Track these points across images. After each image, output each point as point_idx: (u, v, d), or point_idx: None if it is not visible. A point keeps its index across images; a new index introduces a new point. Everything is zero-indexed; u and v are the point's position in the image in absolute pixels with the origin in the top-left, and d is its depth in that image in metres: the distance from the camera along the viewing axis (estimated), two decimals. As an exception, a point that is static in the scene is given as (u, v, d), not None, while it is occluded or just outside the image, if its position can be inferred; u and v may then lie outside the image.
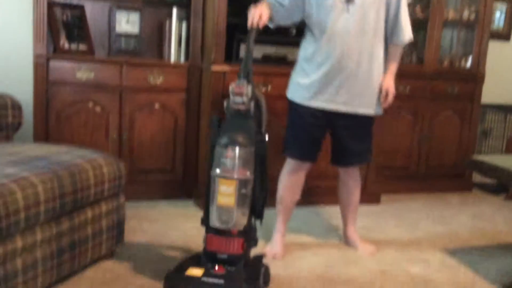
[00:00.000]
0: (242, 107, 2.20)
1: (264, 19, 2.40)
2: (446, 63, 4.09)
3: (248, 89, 2.19)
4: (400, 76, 3.79)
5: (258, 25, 2.38)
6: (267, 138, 2.27)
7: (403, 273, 2.58)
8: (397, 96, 3.82)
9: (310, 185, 3.44)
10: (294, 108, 2.62)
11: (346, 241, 2.90)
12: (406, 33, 2.59)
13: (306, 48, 2.58)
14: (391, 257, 2.76)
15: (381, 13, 2.52)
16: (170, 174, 3.46)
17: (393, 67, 2.63)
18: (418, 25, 3.84)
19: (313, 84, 2.54)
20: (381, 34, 2.55)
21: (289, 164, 2.69)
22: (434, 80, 3.95)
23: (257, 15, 2.38)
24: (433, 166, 4.07)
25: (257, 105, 2.30)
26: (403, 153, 3.96)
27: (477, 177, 4.34)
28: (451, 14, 4.02)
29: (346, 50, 2.48)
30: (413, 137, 3.96)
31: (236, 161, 2.11)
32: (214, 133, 2.22)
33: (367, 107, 2.60)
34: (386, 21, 2.56)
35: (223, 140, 2.15)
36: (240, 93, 2.18)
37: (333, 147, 2.72)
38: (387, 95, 2.62)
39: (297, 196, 2.74)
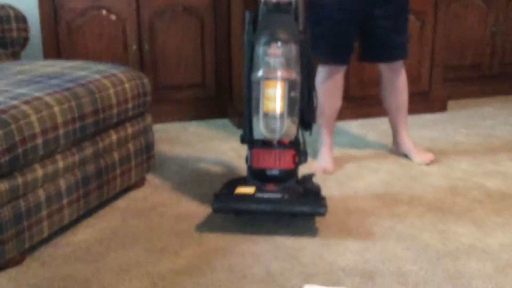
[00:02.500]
0: (282, 0, 2.15)
1: None
2: None
3: None
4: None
5: None
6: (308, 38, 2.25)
7: (478, 188, 2.54)
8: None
9: (359, 95, 3.39)
10: (320, 3, 2.53)
11: (397, 149, 2.89)
12: None
13: None
14: (463, 171, 2.72)
15: None
16: (201, 90, 3.44)
17: None
18: None
19: None
20: None
21: (322, 69, 2.66)
22: (511, -43, 3.75)
23: None
24: (509, 64, 3.95)
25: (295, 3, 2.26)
26: (473, 49, 3.84)
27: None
28: None
29: None
30: (485, 29, 3.82)
31: (281, 59, 2.09)
32: (249, 31, 2.20)
33: None
34: None
35: (264, 37, 2.11)
36: None
37: (370, 42, 2.65)
38: None
39: (338, 102, 2.73)
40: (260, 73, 2.12)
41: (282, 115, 2.12)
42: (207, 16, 3.33)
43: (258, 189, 2.14)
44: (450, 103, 3.72)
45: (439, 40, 3.49)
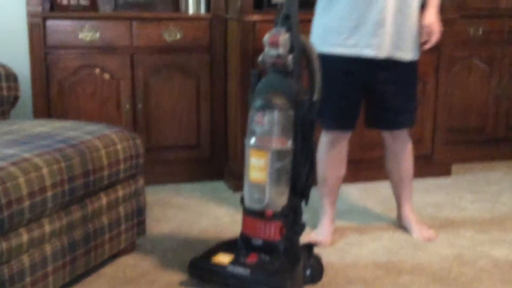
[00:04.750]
0: (278, 61, 2.15)
1: None
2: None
3: (285, 38, 2.12)
4: (470, 16, 3.72)
5: None
6: (316, 98, 2.23)
7: (484, 257, 2.53)
8: (468, 41, 3.75)
9: (358, 158, 3.41)
10: (324, 68, 2.55)
11: (399, 223, 2.83)
12: None
13: None
14: (469, 239, 2.72)
15: None
16: (196, 151, 3.46)
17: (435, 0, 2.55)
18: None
19: (343, 23, 2.44)
20: None
21: (325, 136, 2.65)
22: (512, 19, 3.84)
23: None
24: (515, 127, 3.99)
25: (307, 60, 2.24)
26: (477, 111, 3.87)
27: None
28: None
29: None
30: (489, 91, 3.87)
31: (268, 127, 2.12)
32: (252, 91, 2.24)
33: (412, 50, 2.53)
34: None
35: (256, 102, 2.16)
36: (275, 43, 2.13)
37: (373, 107, 2.64)
38: (429, 34, 2.51)
39: (342, 171, 2.71)
40: (247, 140, 2.18)
41: (264, 186, 2.15)
42: (203, 75, 3.38)
43: (234, 260, 2.17)
44: (455, 167, 3.73)
45: (441, 102, 3.53)
